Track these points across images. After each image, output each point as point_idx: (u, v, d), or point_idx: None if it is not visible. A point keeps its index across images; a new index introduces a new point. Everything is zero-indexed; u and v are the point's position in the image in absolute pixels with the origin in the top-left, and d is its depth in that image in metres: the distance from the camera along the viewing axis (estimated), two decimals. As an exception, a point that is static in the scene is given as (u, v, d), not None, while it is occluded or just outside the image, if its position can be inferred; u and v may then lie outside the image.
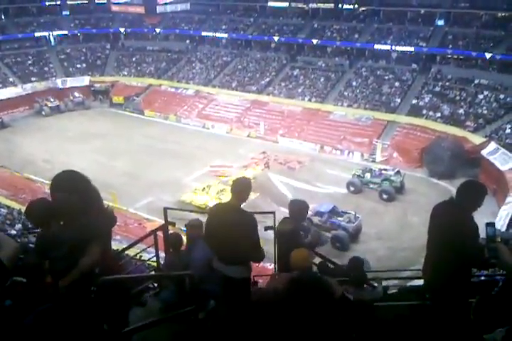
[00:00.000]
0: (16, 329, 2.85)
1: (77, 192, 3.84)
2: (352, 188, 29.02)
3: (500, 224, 20.98)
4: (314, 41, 45.09)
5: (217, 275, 4.82)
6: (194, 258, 5.74)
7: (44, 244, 3.68)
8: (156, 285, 6.60)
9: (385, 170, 29.54)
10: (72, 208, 3.71)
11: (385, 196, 28.04)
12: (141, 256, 9.98)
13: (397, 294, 7.14)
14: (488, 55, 36.59)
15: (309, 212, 24.25)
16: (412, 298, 5.78)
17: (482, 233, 4.02)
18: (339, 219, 24.18)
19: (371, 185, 28.94)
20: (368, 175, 29.13)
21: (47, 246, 3.63)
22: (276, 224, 6.40)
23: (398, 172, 29.17)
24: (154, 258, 6.81)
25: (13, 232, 17.48)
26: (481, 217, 4.27)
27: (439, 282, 4.22)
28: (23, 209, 25.46)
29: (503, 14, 38.92)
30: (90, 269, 3.52)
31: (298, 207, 6.13)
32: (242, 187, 4.91)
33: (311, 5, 47.45)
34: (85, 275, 3.31)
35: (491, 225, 3.73)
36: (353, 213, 24.35)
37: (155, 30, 53.95)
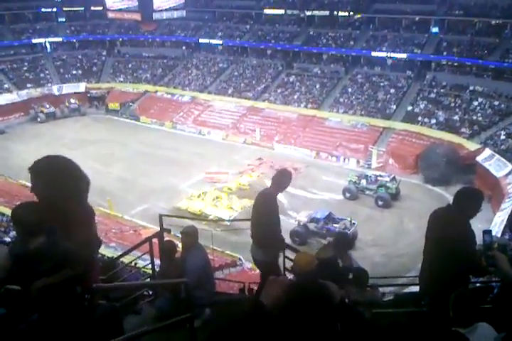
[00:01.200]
0: (10, 338, 2.81)
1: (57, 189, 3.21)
2: (348, 194, 29.02)
3: (495, 231, 21.02)
4: (310, 48, 45.26)
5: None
6: (189, 266, 5.72)
7: (29, 257, 3.15)
8: (151, 293, 6.57)
9: (381, 176, 29.51)
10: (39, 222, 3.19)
11: (380, 202, 28.06)
12: (136, 264, 9.94)
13: (393, 301, 7.13)
14: (482, 62, 36.84)
15: (305, 219, 24.49)
16: (408, 304, 5.78)
17: (478, 239, 4.03)
18: (335, 225, 24.15)
19: (367, 192, 28.95)
20: (363, 182, 29.16)
21: (32, 259, 3.14)
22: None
23: (394, 178, 29.18)
24: (149, 266, 6.77)
25: (8, 239, 17.38)
26: (476, 224, 4.27)
27: (436, 288, 4.22)
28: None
29: (497, 22, 39.21)
30: (69, 278, 3.29)
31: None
32: (283, 178, 5.50)
33: (306, 12, 47.68)
34: (66, 281, 3.12)
35: (488, 233, 3.74)
36: (349, 219, 24.33)
37: (150, 37, 54.04)
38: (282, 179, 5.53)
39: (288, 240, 24.67)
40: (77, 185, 3.33)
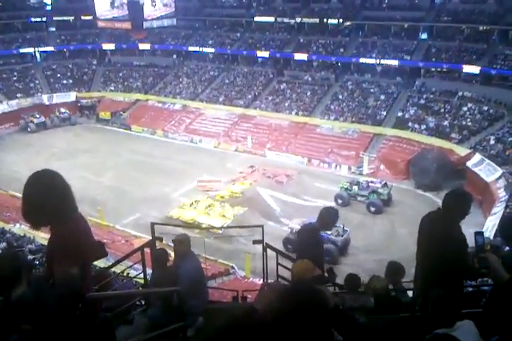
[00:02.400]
0: None
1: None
2: (340, 201, 28.96)
3: (487, 235, 21.11)
4: (300, 55, 45.52)
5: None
6: (182, 274, 5.69)
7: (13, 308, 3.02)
8: (143, 302, 6.51)
9: (372, 182, 29.56)
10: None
11: (372, 209, 28.09)
12: (128, 273, 9.86)
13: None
14: (471, 68, 37.20)
15: (298, 226, 24.41)
16: (402, 309, 5.76)
17: (471, 243, 4.03)
18: (328, 232, 24.05)
19: (359, 198, 28.99)
20: (355, 188, 29.19)
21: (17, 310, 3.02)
22: (261, 238, 6.36)
23: (385, 184, 29.25)
24: (141, 275, 6.72)
25: (-2, 251, 17.19)
26: (467, 228, 4.29)
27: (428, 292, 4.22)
28: (8, 227, 25.02)
29: (485, 28, 39.68)
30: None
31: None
32: (330, 217, 5.93)
33: (296, 20, 47.99)
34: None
35: (479, 234, 3.73)
36: (342, 226, 24.31)
37: (138, 45, 54.08)
38: (329, 217, 5.90)
39: (281, 247, 24.83)
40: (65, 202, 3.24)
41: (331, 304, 2.88)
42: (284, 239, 23.46)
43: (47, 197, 3.11)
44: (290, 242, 23.23)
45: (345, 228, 24.12)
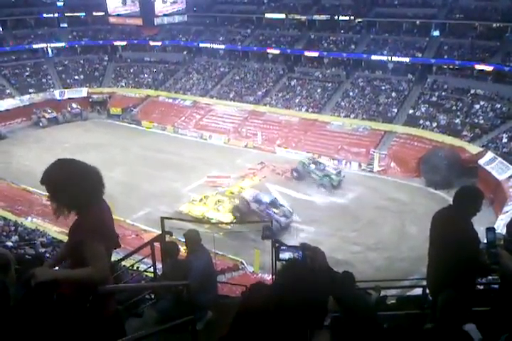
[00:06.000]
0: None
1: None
2: (295, 174, 31.65)
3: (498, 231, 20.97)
4: (311, 52, 45.37)
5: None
6: (193, 268, 5.72)
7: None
8: (152, 296, 6.55)
9: (330, 167, 31.75)
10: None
11: (322, 190, 30.40)
12: (137, 267, 9.93)
13: (395, 304, 7.09)
14: (483, 66, 36.87)
15: (250, 198, 25.96)
16: (411, 307, 5.75)
17: (482, 240, 4.01)
18: (275, 211, 25.52)
19: (312, 175, 31.01)
20: (312, 166, 31.22)
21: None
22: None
23: (339, 172, 31.01)
24: (151, 269, 6.76)
25: (10, 244, 17.39)
26: (478, 226, 4.25)
27: (441, 290, 4.20)
28: (20, 220, 25.30)
29: (498, 25, 39.30)
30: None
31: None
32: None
33: (307, 16, 47.82)
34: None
35: (491, 230, 3.71)
36: (290, 209, 25.82)
37: (149, 42, 54.19)
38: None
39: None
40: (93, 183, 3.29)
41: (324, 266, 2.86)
42: (234, 207, 26.26)
43: (82, 181, 3.15)
44: (239, 211, 26.15)
45: (291, 210, 26.01)
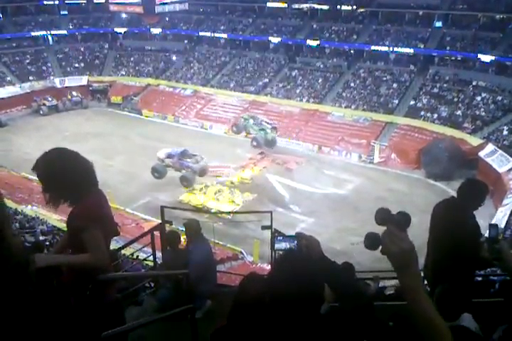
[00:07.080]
0: None
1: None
2: (235, 129, 36.04)
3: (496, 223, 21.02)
4: (312, 42, 45.11)
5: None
6: (192, 257, 5.74)
7: None
8: (152, 284, 6.58)
9: (267, 123, 35.19)
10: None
11: (254, 143, 34.28)
12: (137, 256, 9.97)
13: (394, 294, 7.13)
14: (485, 57, 36.67)
15: (163, 155, 28.89)
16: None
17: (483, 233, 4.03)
18: (188, 160, 28.59)
19: (250, 129, 34.88)
20: (251, 121, 34.94)
21: None
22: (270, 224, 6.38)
23: (274, 128, 34.91)
24: (151, 258, 6.78)
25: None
26: (478, 219, 4.26)
27: (439, 281, 4.21)
28: (20, 208, 25.29)
29: (501, 16, 39.00)
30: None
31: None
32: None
33: (309, 6, 47.44)
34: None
35: (494, 227, 3.73)
36: (201, 156, 29.03)
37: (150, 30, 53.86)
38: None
39: (150, 176, 29.40)
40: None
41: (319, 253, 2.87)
42: (152, 168, 28.78)
43: (72, 171, 3.13)
44: (156, 170, 28.93)
45: (202, 156, 29.06)
